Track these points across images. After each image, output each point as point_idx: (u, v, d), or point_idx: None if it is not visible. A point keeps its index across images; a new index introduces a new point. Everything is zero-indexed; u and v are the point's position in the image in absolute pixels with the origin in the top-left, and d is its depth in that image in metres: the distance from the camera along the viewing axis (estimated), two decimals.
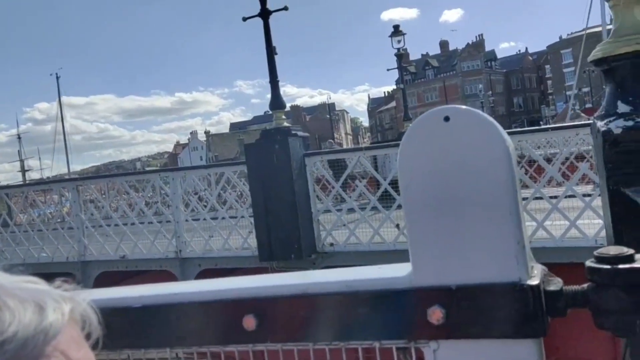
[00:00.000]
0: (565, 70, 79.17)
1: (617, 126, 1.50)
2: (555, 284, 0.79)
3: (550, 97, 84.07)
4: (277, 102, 8.83)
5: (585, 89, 67.80)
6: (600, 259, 0.77)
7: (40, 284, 0.46)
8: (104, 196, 11.04)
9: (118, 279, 10.13)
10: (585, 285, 0.77)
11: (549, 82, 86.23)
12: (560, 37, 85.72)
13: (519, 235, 0.78)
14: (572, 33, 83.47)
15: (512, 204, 0.78)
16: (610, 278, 0.74)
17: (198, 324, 0.95)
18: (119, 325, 0.90)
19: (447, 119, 0.80)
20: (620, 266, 0.74)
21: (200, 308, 0.93)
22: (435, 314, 0.81)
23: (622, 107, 1.54)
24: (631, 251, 0.75)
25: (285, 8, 9.03)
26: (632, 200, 1.36)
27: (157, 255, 9.44)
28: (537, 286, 0.76)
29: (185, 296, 0.97)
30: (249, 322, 0.88)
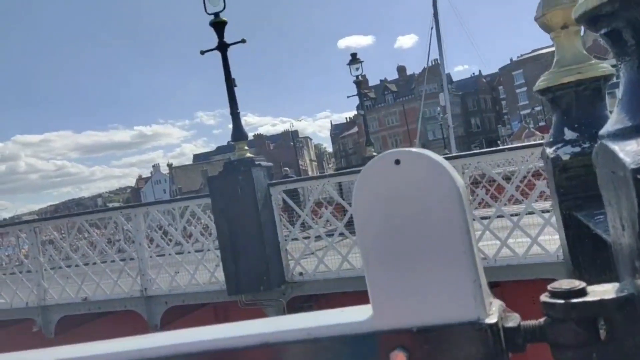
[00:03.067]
0: (517, 90, 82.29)
1: (565, 152, 1.56)
2: (513, 319, 0.80)
3: (505, 116, 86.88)
4: (238, 133, 8.81)
5: (538, 108, 70.44)
6: (554, 294, 0.78)
7: None
8: (63, 236, 10.68)
9: (80, 322, 9.74)
10: (542, 320, 0.79)
11: (503, 102, 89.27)
12: (511, 60, 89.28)
13: (474, 274, 0.79)
14: (521, 55, 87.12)
15: (465, 244, 0.79)
16: (565, 312, 0.75)
17: None
18: None
19: (397, 162, 0.82)
20: (574, 300, 0.75)
21: None
22: (398, 358, 0.80)
23: (569, 134, 1.60)
24: (583, 284, 0.76)
25: (243, 41, 9.10)
26: (584, 224, 1.41)
27: (121, 295, 9.14)
28: (496, 324, 0.77)
29: (139, 353, 0.94)
30: None
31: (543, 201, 9.05)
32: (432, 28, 27.46)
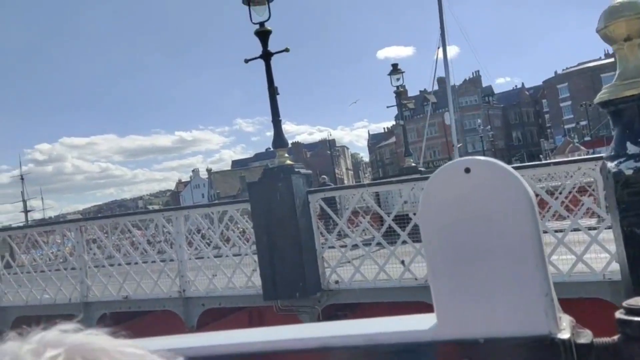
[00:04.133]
0: (562, 104, 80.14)
1: (627, 167, 1.50)
2: (585, 336, 0.78)
3: (548, 130, 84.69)
4: (279, 140, 8.89)
5: (583, 123, 68.37)
6: (631, 311, 0.76)
7: (139, 349, 0.48)
8: (106, 236, 11.00)
9: (120, 320, 9.98)
10: (615, 338, 0.76)
11: (547, 115, 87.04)
12: (556, 72, 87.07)
13: (546, 287, 0.77)
14: (567, 68, 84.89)
15: (537, 256, 0.78)
16: None
17: None
18: None
19: (467, 170, 0.81)
20: None
21: None
22: None
23: (632, 148, 1.55)
24: None
25: (287, 50, 9.19)
26: None
27: (160, 295, 9.32)
28: (569, 340, 0.75)
29: (201, 350, 0.95)
30: None
31: (588, 218, 8.76)
32: (438, 47, 26.81)
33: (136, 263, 9.57)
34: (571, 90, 77.91)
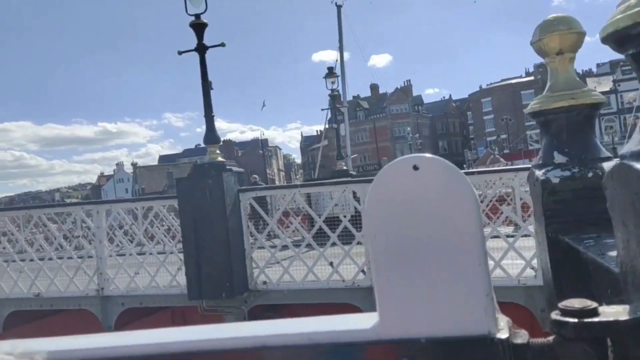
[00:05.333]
0: (485, 117, 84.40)
1: (554, 176, 1.57)
2: (522, 336, 0.79)
3: (472, 141, 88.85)
4: (211, 136, 8.69)
5: (503, 136, 72.37)
6: (566, 312, 0.77)
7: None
8: (17, 229, 10.27)
9: (31, 319, 9.35)
10: (550, 339, 0.78)
11: (471, 127, 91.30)
12: (480, 87, 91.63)
13: (487, 287, 0.77)
14: (491, 83, 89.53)
15: (480, 255, 0.78)
16: (576, 332, 0.74)
17: None
18: None
19: (416, 167, 0.80)
20: (586, 320, 0.74)
21: None
22: None
23: (559, 158, 1.62)
24: (595, 304, 0.76)
25: (222, 44, 9.02)
26: (572, 247, 1.42)
27: (76, 293, 8.82)
28: (507, 339, 0.75)
29: (127, 349, 0.88)
30: None
31: (505, 226, 9.25)
32: (337, 60, 27.02)
33: (50, 259, 8.99)
34: (494, 105, 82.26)
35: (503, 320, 0.81)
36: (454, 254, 0.78)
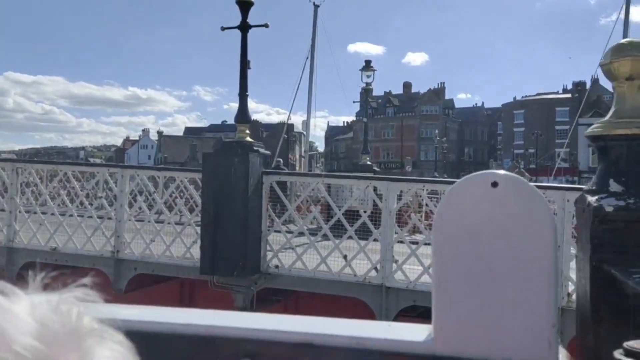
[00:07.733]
0: (515, 129, 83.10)
1: (608, 204, 1.52)
2: None
3: (498, 152, 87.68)
4: (243, 115, 8.71)
5: (532, 150, 71.24)
6: (630, 353, 0.74)
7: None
8: (41, 182, 10.48)
9: (44, 272, 9.55)
10: None
11: (499, 137, 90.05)
12: (515, 98, 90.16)
13: (554, 317, 0.74)
14: (525, 96, 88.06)
15: (551, 282, 0.75)
16: None
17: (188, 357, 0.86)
18: None
19: (495, 184, 0.77)
20: None
21: (194, 341, 0.84)
22: None
23: (614, 186, 1.57)
24: None
25: (266, 25, 9.01)
26: (617, 279, 1.38)
27: (91, 252, 8.97)
28: None
29: (174, 327, 0.87)
30: None
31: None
32: (307, 58, 26.46)
33: (71, 215, 9.15)
34: (526, 118, 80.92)
35: (562, 353, 0.78)
36: (525, 278, 0.75)
